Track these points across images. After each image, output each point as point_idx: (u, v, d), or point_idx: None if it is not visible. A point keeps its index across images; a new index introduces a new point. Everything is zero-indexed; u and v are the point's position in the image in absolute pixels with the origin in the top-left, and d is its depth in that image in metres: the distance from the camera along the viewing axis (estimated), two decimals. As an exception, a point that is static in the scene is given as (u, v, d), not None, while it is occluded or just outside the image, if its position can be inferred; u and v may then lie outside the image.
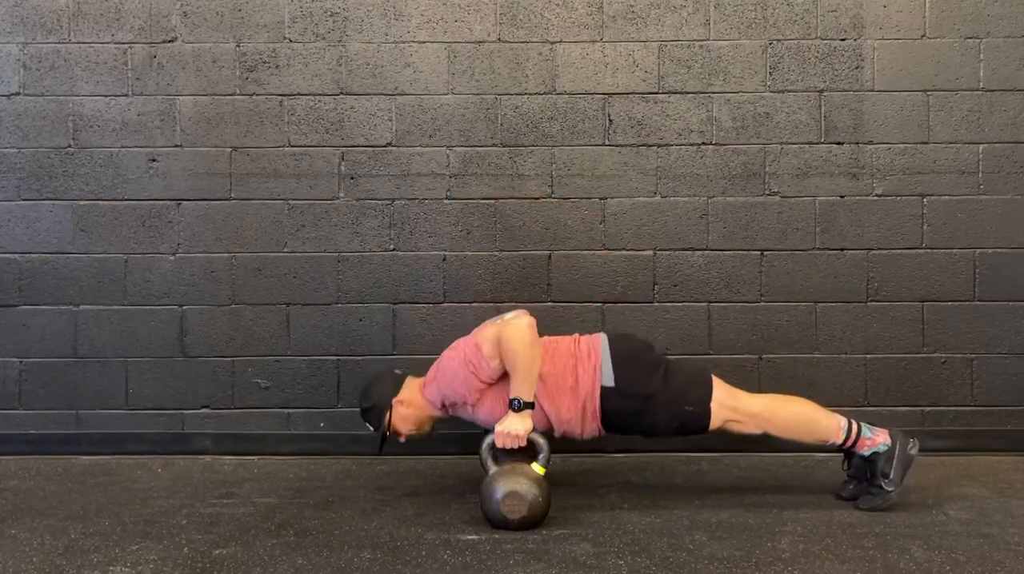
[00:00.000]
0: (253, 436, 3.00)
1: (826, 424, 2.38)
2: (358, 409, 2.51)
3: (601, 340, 2.44)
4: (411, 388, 2.49)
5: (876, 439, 2.36)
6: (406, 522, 2.30)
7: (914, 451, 2.37)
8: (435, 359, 3.01)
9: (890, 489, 2.33)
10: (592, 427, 2.41)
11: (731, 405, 2.38)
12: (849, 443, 2.37)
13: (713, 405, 2.36)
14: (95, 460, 2.94)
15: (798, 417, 2.40)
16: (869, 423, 2.43)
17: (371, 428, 2.50)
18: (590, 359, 2.39)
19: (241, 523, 2.29)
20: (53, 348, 3.00)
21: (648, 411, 2.37)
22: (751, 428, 2.40)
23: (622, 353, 2.40)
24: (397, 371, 2.58)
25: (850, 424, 2.37)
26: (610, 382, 2.36)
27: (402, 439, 2.51)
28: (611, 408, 2.37)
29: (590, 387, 2.36)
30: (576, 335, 2.51)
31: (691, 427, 2.39)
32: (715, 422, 2.37)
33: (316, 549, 2.10)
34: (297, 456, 2.96)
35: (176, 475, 2.77)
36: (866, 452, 2.36)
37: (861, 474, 2.41)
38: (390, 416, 2.45)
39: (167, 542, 2.15)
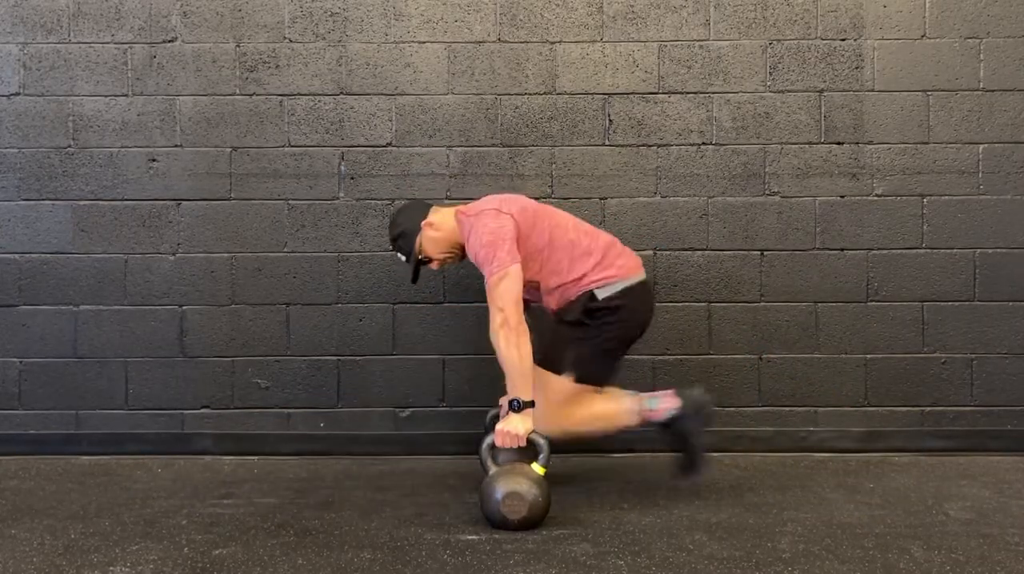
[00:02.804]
0: (253, 436, 3.00)
1: (618, 415, 2.45)
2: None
3: (636, 274, 2.46)
4: (442, 213, 2.52)
5: (663, 405, 2.43)
6: (406, 522, 2.30)
7: (702, 396, 2.45)
8: (436, 358, 3.02)
9: (695, 443, 2.43)
10: (549, 303, 2.47)
11: (566, 406, 2.41)
12: (646, 420, 2.44)
13: (576, 386, 2.40)
14: (95, 460, 2.94)
15: (589, 424, 2.45)
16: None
17: (403, 258, 2.54)
18: (615, 270, 2.41)
19: (241, 523, 2.29)
20: (53, 348, 3.00)
21: (578, 334, 2.40)
22: (548, 426, 2.38)
23: (632, 300, 2.42)
24: (427, 202, 2.61)
25: (639, 405, 2.44)
26: (600, 296, 2.39)
27: (435, 266, 2.54)
28: (574, 304, 2.41)
29: (589, 282, 2.39)
30: (621, 245, 2.51)
31: (555, 369, 2.41)
32: (557, 393, 2.39)
33: (316, 549, 2.10)
34: (297, 456, 2.96)
35: (176, 475, 2.77)
36: (663, 419, 2.43)
37: (674, 443, 2.48)
38: (420, 240, 2.48)
39: (167, 542, 2.15)
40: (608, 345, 2.43)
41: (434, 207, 2.56)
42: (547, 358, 2.41)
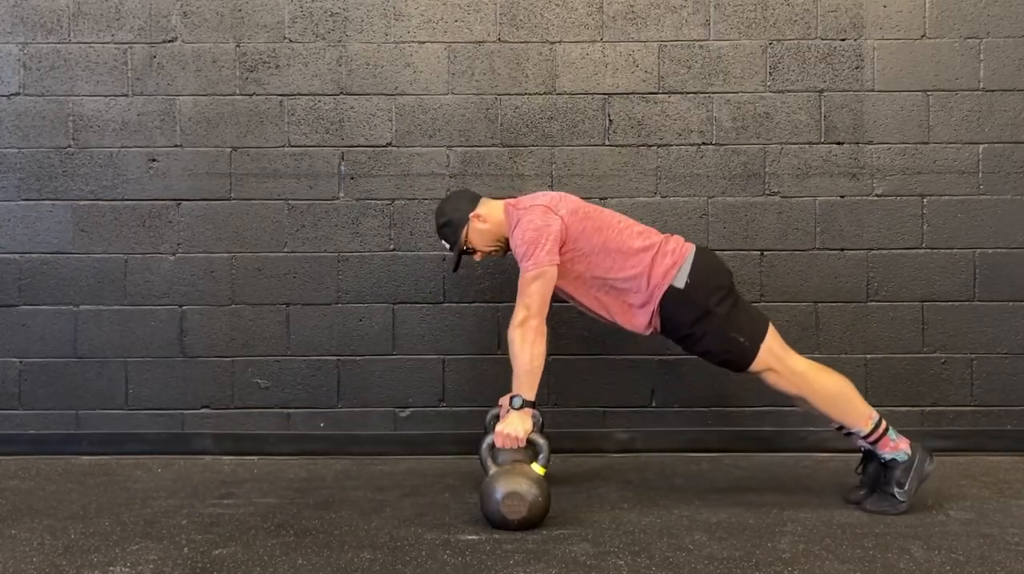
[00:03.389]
0: (253, 436, 3.00)
1: (860, 409, 2.35)
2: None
3: (690, 248, 2.42)
4: (490, 205, 2.51)
5: (899, 445, 2.33)
6: (406, 522, 2.30)
7: (931, 468, 2.35)
8: (436, 358, 3.02)
9: (902, 499, 2.31)
10: (646, 322, 2.40)
11: (778, 355, 2.36)
12: (874, 438, 2.34)
13: (763, 346, 2.34)
14: (95, 460, 2.93)
15: (837, 390, 2.37)
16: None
17: (447, 246, 2.54)
18: (671, 256, 2.38)
19: (241, 523, 2.29)
20: (53, 348, 3.00)
21: (701, 325, 2.34)
22: (788, 386, 2.36)
23: (703, 265, 2.38)
24: (474, 191, 2.59)
25: (880, 420, 2.35)
26: (681, 284, 2.34)
27: (478, 257, 2.54)
28: (669, 310, 2.35)
29: (660, 281, 2.34)
30: (668, 235, 2.48)
31: (735, 360, 2.37)
32: (758, 364, 2.35)
33: (316, 549, 2.10)
34: (297, 456, 2.96)
35: (176, 475, 2.77)
36: (886, 454, 2.34)
37: (874, 481, 2.39)
38: (467, 230, 2.47)
39: (167, 542, 2.15)
40: (729, 304, 2.36)
41: (483, 199, 2.54)
42: (735, 361, 2.37)
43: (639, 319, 2.40)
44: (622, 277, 2.37)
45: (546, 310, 2.32)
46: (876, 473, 2.39)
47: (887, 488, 2.34)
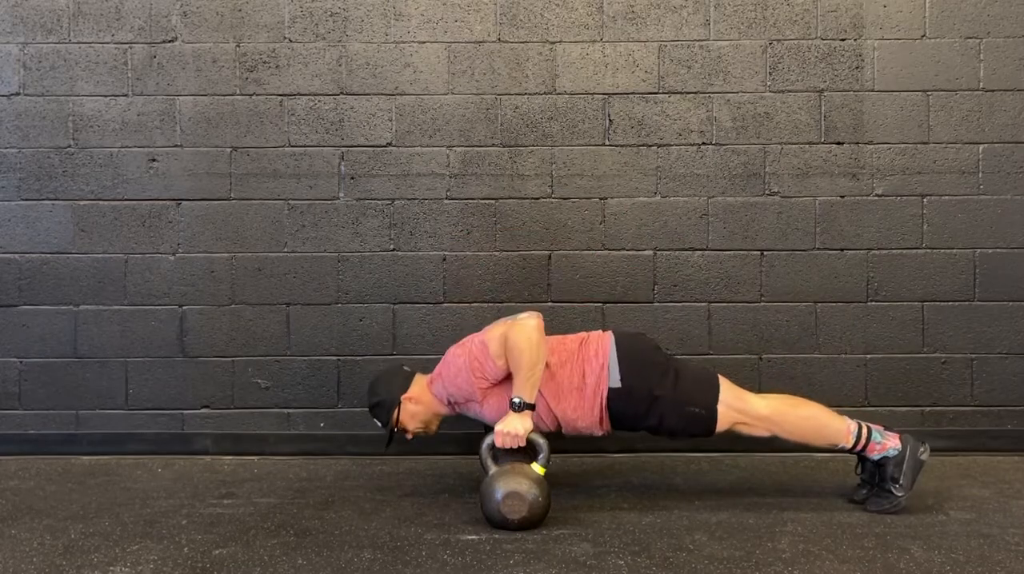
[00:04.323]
0: (253, 436, 3.00)
1: (836, 427, 2.36)
2: (365, 407, 2.51)
3: (609, 340, 2.42)
4: (420, 385, 2.50)
5: (886, 444, 2.34)
6: (406, 522, 2.30)
7: (924, 456, 2.35)
8: (436, 358, 3.01)
9: (899, 494, 2.32)
10: (599, 425, 2.41)
11: (738, 407, 2.36)
12: (859, 447, 2.35)
13: (720, 407, 2.35)
14: (95, 460, 2.93)
15: (807, 421, 2.38)
16: (881, 425, 2.42)
17: (379, 424, 2.51)
18: (597, 358, 2.38)
19: (241, 523, 2.29)
20: (53, 348, 3.00)
21: (655, 412, 2.36)
22: (760, 431, 2.38)
23: (629, 354, 2.39)
24: (406, 368, 2.58)
25: (860, 428, 2.36)
26: (616, 383, 2.35)
27: (409, 436, 2.52)
28: (618, 408, 2.36)
29: (596, 386, 2.35)
30: (583, 334, 2.50)
31: (697, 429, 2.38)
32: (722, 424, 2.36)
33: (316, 549, 2.10)
34: (297, 456, 2.96)
35: (176, 475, 2.77)
36: (876, 456, 2.35)
37: (872, 478, 2.40)
38: (398, 413, 2.45)
39: (167, 542, 2.15)
40: (671, 377, 2.38)
41: (417, 375, 2.52)
42: (699, 431, 2.39)
43: (588, 421, 2.40)
44: (577, 399, 2.37)
45: (542, 321, 2.32)
46: (872, 472, 2.40)
47: (884, 485, 2.34)
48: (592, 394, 2.36)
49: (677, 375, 2.39)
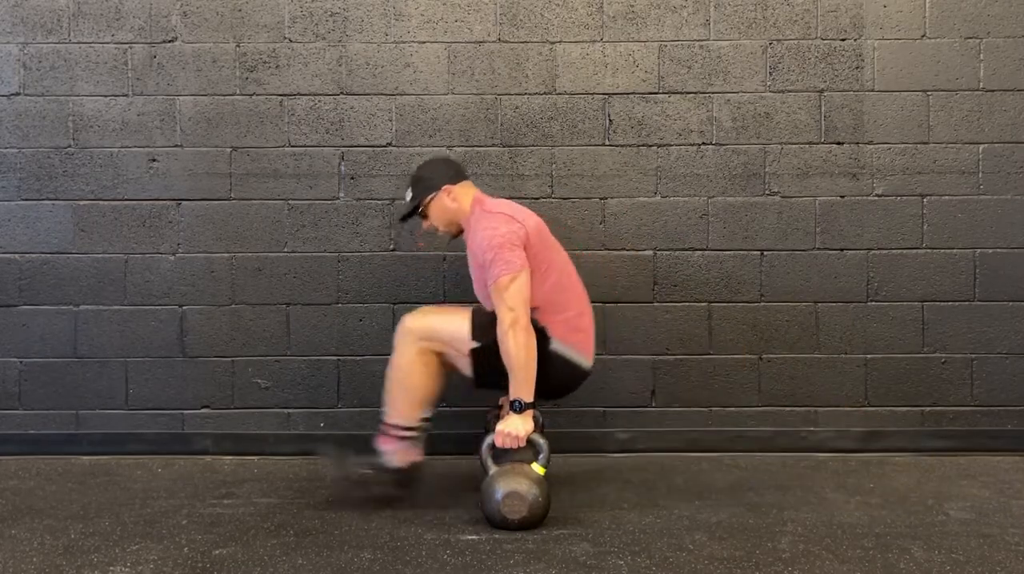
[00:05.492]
0: (253, 436, 3.00)
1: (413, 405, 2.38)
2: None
3: (590, 361, 2.44)
4: (467, 191, 2.48)
5: (403, 456, 2.39)
6: (406, 522, 2.30)
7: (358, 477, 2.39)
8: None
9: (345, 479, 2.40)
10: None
11: (420, 336, 2.36)
12: (395, 433, 2.38)
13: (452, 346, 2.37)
14: (95, 460, 2.94)
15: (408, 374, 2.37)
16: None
17: (408, 196, 2.50)
18: (580, 333, 2.41)
19: (241, 523, 2.29)
20: (53, 348, 3.00)
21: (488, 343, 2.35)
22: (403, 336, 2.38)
23: (566, 377, 2.42)
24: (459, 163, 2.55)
25: (415, 430, 2.39)
26: (550, 347, 2.36)
27: (426, 226, 2.52)
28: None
29: (550, 322, 2.37)
30: (592, 324, 2.50)
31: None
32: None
33: (316, 549, 2.10)
34: (297, 456, 2.96)
35: (176, 475, 2.77)
36: (388, 462, 2.38)
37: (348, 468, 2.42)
38: (433, 197, 2.46)
39: (167, 542, 2.15)
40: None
41: (469, 182, 2.52)
42: (477, 320, 2.36)
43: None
44: (544, 314, 2.36)
45: (529, 310, 2.30)
46: (364, 464, 2.39)
47: (358, 473, 2.38)
48: (549, 317, 2.37)
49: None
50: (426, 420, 2.42)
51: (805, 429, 2.98)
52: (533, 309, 2.35)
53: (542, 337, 2.33)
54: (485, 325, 2.34)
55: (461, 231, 2.52)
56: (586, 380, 2.47)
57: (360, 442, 2.52)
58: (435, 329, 2.36)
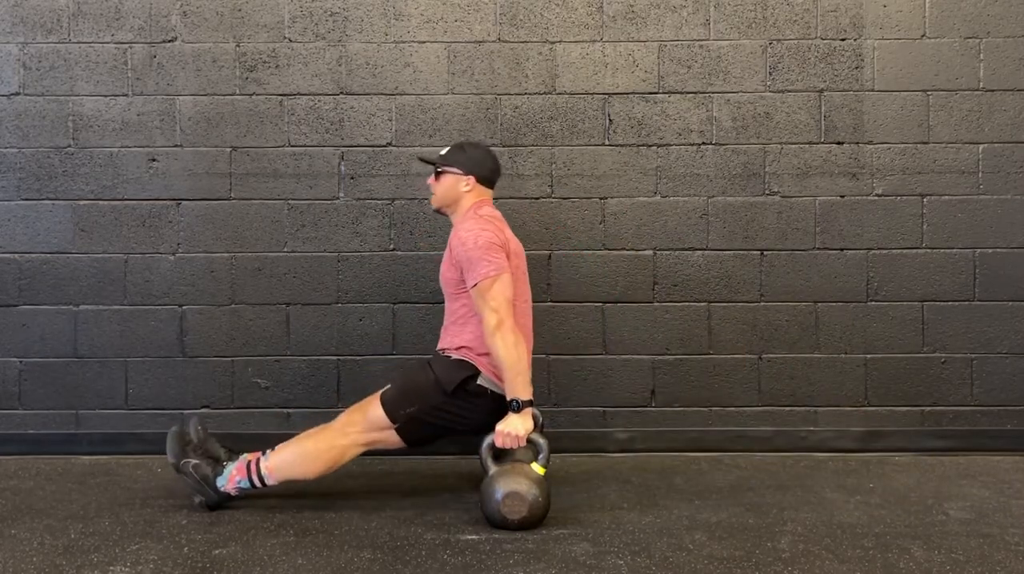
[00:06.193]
0: (253, 436, 2.99)
1: (312, 468, 2.39)
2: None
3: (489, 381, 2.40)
4: (480, 195, 2.49)
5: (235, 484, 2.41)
6: (406, 522, 2.30)
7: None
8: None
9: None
10: (443, 334, 2.49)
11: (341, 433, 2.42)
12: (248, 472, 2.40)
13: (365, 422, 2.41)
14: (95, 460, 2.93)
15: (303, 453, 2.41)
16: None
17: (438, 156, 2.52)
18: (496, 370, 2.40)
19: (241, 523, 2.29)
20: (53, 348, 3.00)
21: (419, 393, 2.39)
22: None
23: (489, 411, 2.38)
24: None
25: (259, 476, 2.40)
26: (479, 382, 2.37)
27: (429, 181, 2.53)
28: (447, 367, 2.39)
29: (482, 352, 2.37)
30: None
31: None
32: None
33: (316, 549, 2.10)
34: (297, 456, 2.96)
35: (176, 475, 2.76)
36: (226, 484, 2.40)
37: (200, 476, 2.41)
38: (454, 176, 2.47)
39: (167, 542, 2.15)
40: (439, 421, 2.38)
41: (483, 187, 2.50)
42: (389, 395, 2.39)
43: (444, 339, 2.46)
44: (479, 339, 2.36)
45: (512, 309, 2.30)
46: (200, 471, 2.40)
47: (190, 475, 2.39)
48: (483, 348, 2.36)
49: (431, 423, 2.40)
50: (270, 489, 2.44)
51: (805, 429, 2.98)
52: (474, 337, 2.37)
53: (471, 378, 2.35)
54: (396, 400, 2.37)
55: (444, 214, 2.55)
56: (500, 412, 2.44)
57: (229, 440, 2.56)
58: (368, 441, 2.40)
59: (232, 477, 2.39)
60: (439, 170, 2.50)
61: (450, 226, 2.50)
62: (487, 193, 2.53)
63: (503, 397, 2.32)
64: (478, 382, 2.35)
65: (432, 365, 2.41)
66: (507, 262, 2.34)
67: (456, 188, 2.48)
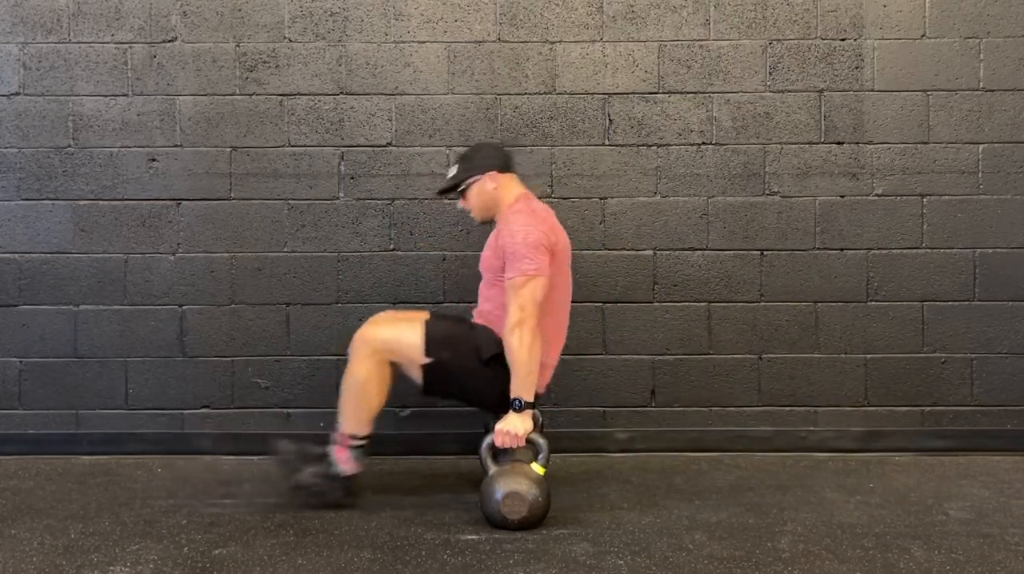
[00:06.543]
0: (253, 436, 2.99)
1: (364, 416, 2.40)
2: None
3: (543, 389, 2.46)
4: (509, 179, 2.49)
5: (343, 461, 2.41)
6: (406, 522, 2.30)
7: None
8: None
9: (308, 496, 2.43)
10: (490, 319, 2.47)
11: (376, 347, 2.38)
12: (346, 443, 2.41)
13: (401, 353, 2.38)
14: (95, 460, 2.93)
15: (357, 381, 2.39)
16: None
17: (452, 171, 2.51)
18: (545, 368, 2.45)
19: (241, 523, 2.29)
20: (53, 348, 3.00)
21: (466, 359, 2.39)
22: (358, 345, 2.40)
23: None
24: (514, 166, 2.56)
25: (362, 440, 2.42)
26: (484, 355, 2.37)
27: (461, 203, 2.53)
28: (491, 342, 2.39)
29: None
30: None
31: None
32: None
33: (316, 549, 2.10)
34: (297, 456, 2.96)
35: (176, 475, 2.77)
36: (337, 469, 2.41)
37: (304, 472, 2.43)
38: (476, 180, 2.46)
39: (167, 542, 2.15)
40: (463, 380, 2.39)
41: (515, 175, 2.52)
42: (433, 331, 2.38)
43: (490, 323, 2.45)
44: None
45: (539, 313, 2.31)
46: (317, 473, 2.41)
47: (312, 482, 2.40)
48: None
49: (470, 384, 2.42)
50: (369, 435, 2.43)
51: (805, 429, 2.98)
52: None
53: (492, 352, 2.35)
54: (439, 340, 2.36)
55: (492, 220, 2.53)
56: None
57: (313, 440, 2.53)
58: (391, 340, 2.37)
59: (340, 460, 2.39)
60: (462, 188, 2.50)
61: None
62: (515, 179, 2.52)
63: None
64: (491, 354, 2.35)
65: (476, 330, 2.41)
66: (549, 266, 2.32)
67: (485, 192, 2.47)
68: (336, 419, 2.43)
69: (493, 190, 2.47)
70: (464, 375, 2.37)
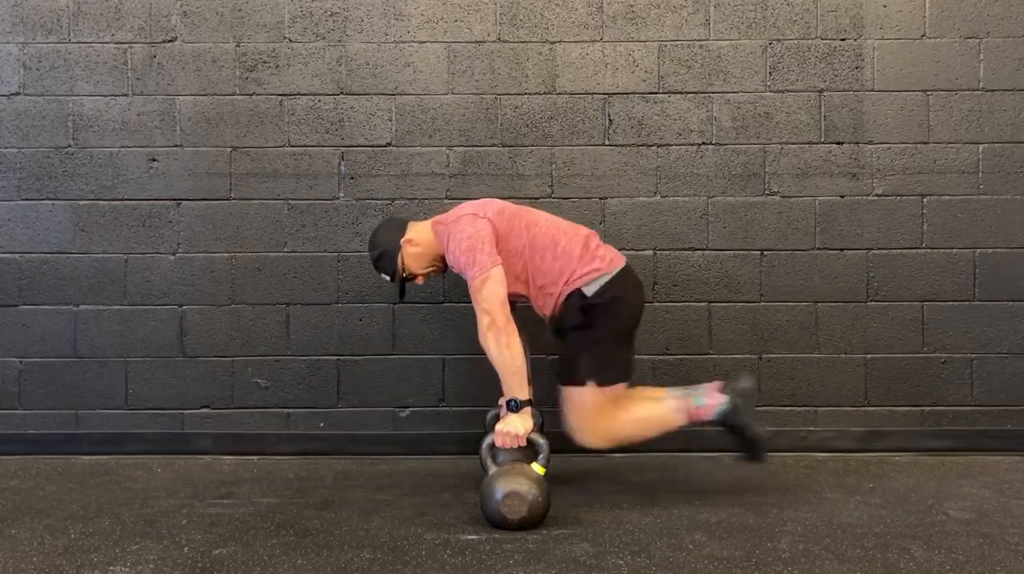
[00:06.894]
0: (253, 436, 3.00)
1: (669, 417, 2.44)
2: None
3: (620, 263, 2.44)
4: (417, 228, 2.51)
5: (712, 404, 2.42)
6: (406, 522, 2.30)
7: (747, 385, 2.45)
8: (436, 358, 3.02)
9: (753, 436, 2.42)
10: (550, 311, 2.44)
11: (597, 410, 2.40)
12: (695, 420, 2.43)
13: (590, 391, 2.38)
14: (95, 460, 2.93)
15: (642, 420, 2.44)
16: (699, 384, 2.50)
17: (386, 278, 2.54)
18: (599, 262, 2.40)
19: (241, 523, 2.29)
20: (53, 348, 3.00)
21: (581, 338, 2.39)
22: (592, 437, 2.44)
23: (619, 289, 2.40)
24: (399, 216, 2.59)
25: (680, 404, 2.43)
26: (590, 293, 2.37)
27: (420, 281, 2.55)
28: (567, 309, 2.39)
29: (575, 279, 2.37)
30: (597, 239, 2.51)
31: (572, 377, 2.41)
32: (583, 398, 2.39)
33: (316, 549, 2.10)
34: (297, 456, 2.96)
35: (176, 475, 2.77)
36: (714, 417, 2.42)
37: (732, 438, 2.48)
38: (402, 258, 2.48)
39: (167, 542, 2.15)
40: (613, 340, 2.40)
41: (411, 222, 2.55)
42: (565, 372, 2.42)
43: (547, 304, 2.44)
44: (546, 270, 2.40)
45: (507, 308, 2.30)
46: (726, 432, 2.47)
47: (743, 436, 2.43)
48: (568, 281, 2.37)
49: (618, 343, 2.42)
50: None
51: (805, 429, 2.98)
52: (551, 283, 2.39)
53: (580, 298, 2.36)
54: (590, 365, 2.37)
55: (444, 268, 2.55)
56: (634, 275, 2.49)
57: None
58: (621, 434, 2.45)
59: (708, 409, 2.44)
60: (401, 272, 2.50)
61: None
62: (416, 223, 2.53)
63: (615, 279, 2.37)
64: (588, 296, 2.36)
65: (567, 310, 2.41)
66: (494, 253, 2.32)
67: (417, 255, 2.49)
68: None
69: (417, 249, 2.48)
70: (609, 336, 2.39)
